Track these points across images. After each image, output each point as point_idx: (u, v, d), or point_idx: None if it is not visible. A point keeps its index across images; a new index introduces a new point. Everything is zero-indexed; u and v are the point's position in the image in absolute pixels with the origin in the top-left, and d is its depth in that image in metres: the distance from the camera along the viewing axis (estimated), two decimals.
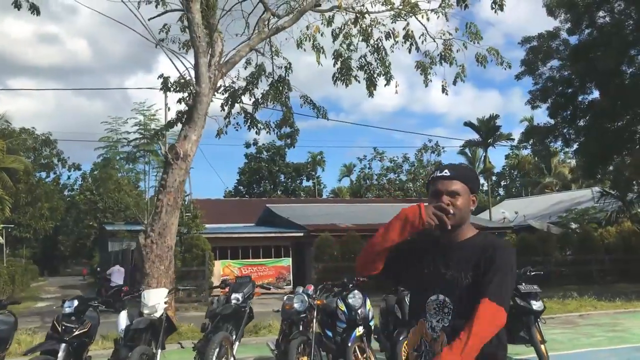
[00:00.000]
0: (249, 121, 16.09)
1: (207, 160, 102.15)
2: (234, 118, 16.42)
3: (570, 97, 21.25)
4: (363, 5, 14.86)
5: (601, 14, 19.53)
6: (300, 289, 7.84)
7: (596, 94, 21.28)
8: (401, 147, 76.21)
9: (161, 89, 14.77)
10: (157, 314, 6.71)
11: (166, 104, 20.01)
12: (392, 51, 16.55)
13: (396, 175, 60.74)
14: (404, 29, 15.15)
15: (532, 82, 21.74)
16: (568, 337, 10.61)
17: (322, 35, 15.74)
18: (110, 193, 32.71)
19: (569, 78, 21.10)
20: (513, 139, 29.67)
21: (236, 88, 15.89)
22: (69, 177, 51.26)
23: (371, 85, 15.96)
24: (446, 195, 2.33)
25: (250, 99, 16.34)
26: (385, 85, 16.24)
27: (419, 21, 16.12)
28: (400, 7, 15.71)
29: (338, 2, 13.86)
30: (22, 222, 32.52)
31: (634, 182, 23.28)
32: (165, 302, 6.85)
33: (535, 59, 21.05)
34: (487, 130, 38.32)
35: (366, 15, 15.36)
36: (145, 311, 6.72)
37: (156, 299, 6.77)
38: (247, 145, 60.92)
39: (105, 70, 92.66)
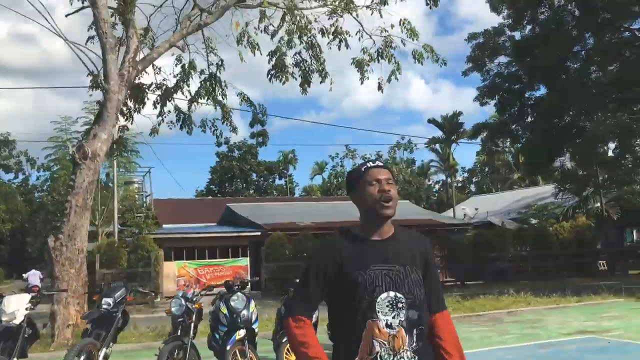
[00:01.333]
0: (181, 120, 15.83)
1: (160, 161, 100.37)
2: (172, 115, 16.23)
3: (518, 93, 21.25)
4: (292, 2, 14.62)
5: (542, 10, 19.51)
6: (180, 293, 7.61)
7: (543, 90, 21.30)
8: (374, 144, 76.23)
9: (90, 87, 14.45)
10: (17, 321, 6.47)
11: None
12: (330, 48, 16.46)
13: None
14: (332, 25, 14.94)
15: (481, 78, 21.73)
16: (482, 335, 10.51)
17: (255, 33, 15.60)
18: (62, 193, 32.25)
19: (516, 74, 21.10)
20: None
21: (169, 86, 15.68)
22: (37, 178, 50.66)
23: (305, 82, 15.80)
24: (385, 182, 2.36)
25: (186, 97, 16.16)
26: (320, 82, 16.13)
27: (355, 18, 16.04)
28: (335, 3, 15.58)
29: None
30: None
31: (582, 177, 23.31)
32: (27, 309, 6.59)
33: (481, 55, 21.01)
34: (451, 127, 38.33)
35: (299, 12, 15.22)
36: (4, 318, 6.48)
37: (16, 305, 6.53)
38: (219, 144, 60.17)
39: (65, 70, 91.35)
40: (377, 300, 2.28)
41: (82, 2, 12.87)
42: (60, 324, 10.72)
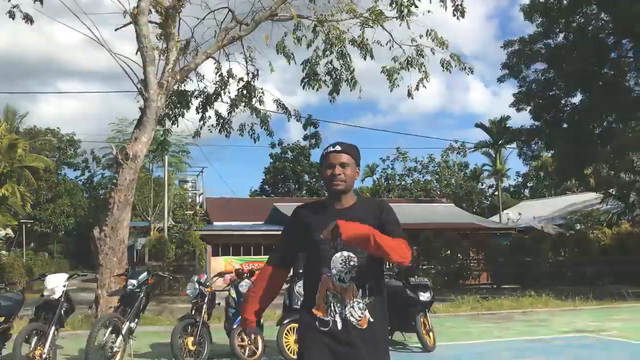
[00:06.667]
0: (220, 124, 17.05)
1: (209, 162, 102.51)
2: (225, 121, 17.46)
3: (553, 99, 21.47)
4: (322, 15, 15.57)
5: (575, 17, 19.70)
6: (195, 277, 8.72)
7: (580, 97, 21.44)
8: (427, 148, 76.14)
9: (138, 94, 15.84)
10: (56, 296, 7.69)
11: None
12: (365, 59, 17.23)
13: (421, 175, 60.93)
14: (359, 36, 15.76)
15: (517, 85, 22.06)
16: (482, 330, 11.16)
17: (294, 43, 16.61)
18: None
19: (552, 81, 21.33)
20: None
21: (210, 93, 16.95)
22: (102, 176, 53.72)
23: (334, 90, 16.72)
24: (338, 166, 2.79)
25: (226, 103, 17.39)
26: (350, 90, 16.99)
27: (384, 29, 16.83)
28: (366, 15, 16.42)
29: (292, 13, 14.61)
30: (43, 218, 34.38)
31: (626, 183, 23.20)
32: (64, 286, 7.81)
33: (517, 62, 21.36)
34: (498, 131, 38.34)
35: (331, 24, 16.13)
36: (45, 293, 7.73)
37: (55, 283, 7.75)
38: (272, 146, 61.98)
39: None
40: (332, 258, 2.69)
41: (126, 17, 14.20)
42: (103, 307, 12.02)
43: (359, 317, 2.63)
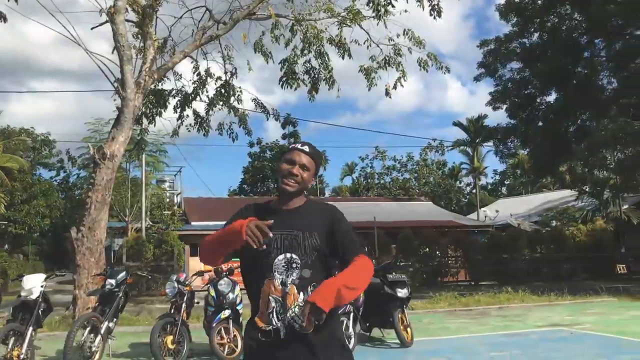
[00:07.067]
0: (199, 124, 17.00)
1: (188, 162, 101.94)
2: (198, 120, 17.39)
3: (529, 98, 21.78)
4: (299, 14, 15.62)
5: (549, 17, 20.02)
6: (174, 277, 8.72)
7: (555, 95, 21.79)
8: (406, 146, 76.55)
9: (115, 93, 15.72)
10: (33, 296, 7.63)
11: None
12: (342, 58, 17.33)
13: (400, 174, 61.29)
14: (337, 36, 15.84)
15: (494, 83, 22.34)
16: (460, 326, 11.31)
17: (272, 42, 16.63)
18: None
19: (527, 79, 21.64)
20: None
21: (189, 92, 16.89)
22: (77, 176, 53.08)
23: (313, 89, 16.78)
24: (299, 167, 2.59)
25: (205, 102, 17.34)
26: (329, 89, 17.06)
27: (362, 28, 16.93)
28: (344, 14, 16.50)
29: (270, 12, 14.63)
30: (18, 219, 33.88)
31: (600, 180, 23.61)
32: (42, 286, 7.75)
33: (493, 61, 21.63)
34: (476, 129, 38.74)
35: (309, 23, 16.18)
36: (23, 294, 7.66)
37: (33, 283, 7.70)
38: (251, 145, 61.87)
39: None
40: (275, 262, 2.50)
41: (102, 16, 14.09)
42: (81, 307, 11.92)
43: (303, 321, 2.39)
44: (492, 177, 67.80)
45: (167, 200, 34.35)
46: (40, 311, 7.69)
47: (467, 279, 26.06)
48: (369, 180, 61.24)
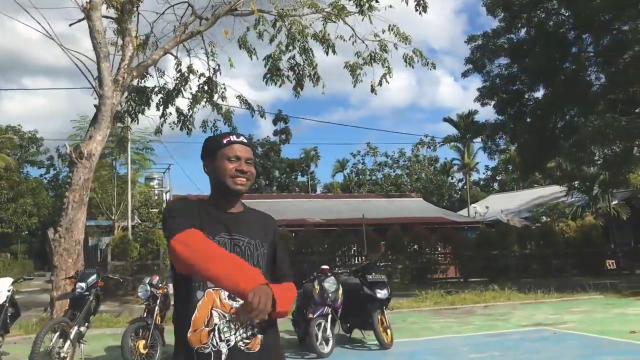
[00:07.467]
0: (182, 122, 16.78)
1: (175, 160, 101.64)
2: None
3: (517, 94, 21.66)
4: (282, 9, 15.41)
5: (536, 13, 19.89)
6: (146, 279, 8.52)
7: (542, 91, 21.67)
8: (397, 143, 76.27)
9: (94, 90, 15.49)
10: (0, 301, 7.43)
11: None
12: (327, 54, 17.14)
13: (392, 170, 61.24)
14: (320, 31, 15.64)
15: (482, 79, 22.21)
16: (443, 326, 11.17)
17: (258, 37, 16.41)
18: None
19: (515, 75, 21.51)
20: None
21: (171, 89, 16.66)
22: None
23: (297, 85, 16.58)
24: (244, 162, 2.27)
25: (188, 99, 17.12)
26: (314, 86, 16.87)
27: (346, 23, 16.74)
28: (328, 9, 16.30)
29: (252, 8, 14.42)
30: (4, 218, 33.58)
31: (589, 176, 23.56)
32: (9, 291, 7.55)
33: (481, 57, 21.48)
34: (466, 125, 38.65)
35: (294, 19, 15.97)
36: None
37: None
38: None
39: None
40: None
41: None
42: (58, 309, 11.71)
43: (249, 339, 2.11)
44: (483, 173, 67.85)
45: (156, 197, 34.10)
46: (7, 316, 7.50)
47: (456, 276, 25.99)
48: (360, 177, 61.18)
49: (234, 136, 2.32)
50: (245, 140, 2.33)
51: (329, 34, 15.67)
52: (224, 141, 2.30)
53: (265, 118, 18.36)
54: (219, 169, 2.26)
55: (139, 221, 29.71)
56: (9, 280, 7.75)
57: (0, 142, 34.43)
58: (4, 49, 75.84)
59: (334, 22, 16.63)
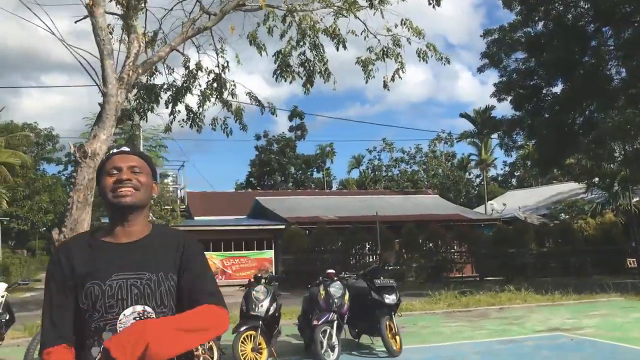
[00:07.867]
0: (191, 119, 16.55)
1: (187, 157, 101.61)
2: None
3: (534, 89, 21.13)
4: (292, 4, 15.09)
5: (554, 5, 19.34)
6: None
7: (561, 86, 21.12)
8: (414, 139, 75.57)
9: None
10: None
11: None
12: (337, 49, 16.83)
13: (408, 166, 60.78)
14: (331, 26, 15.29)
15: (498, 74, 21.71)
16: (455, 330, 10.81)
17: (268, 34, 16.13)
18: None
19: (533, 70, 20.98)
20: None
21: (179, 86, 16.44)
22: None
23: (308, 81, 16.26)
24: (127, 170, 1.99)
25: (198, 96, 16.89)
26: (324, 82, 16.54)
27: (358, 18, 16.37)
28: (339, 4, 15.95)
29: (260, 3, 14.10)
30: (20, 215, 33.75)
31: (610, 173, 22.97)
32: (2, 296, 7.36)
33: (497, 51, 20.98)
34: (483, 121, 38.05)
35: (302, 14, 15.65)
36: None
37: None
38: (258, 138, 61.63)
39: None
40: (120, 317, 1.86)
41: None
42: None
43: None
44: (501, 169, 67.01)
45: (170, 195, 34.03)
46: (3, 322, 7.31)
47: (473, 274, 25.53)
48: (376, 173, 60.77)
49: (114, 149, 2.10)
50: (126, 149, 2.08)
51: (339, 29, 15.31)
52: (105, 157, 2.10)
53: (276, 115, 18.00)
54: (101, 189, 2.01)
55: (153, 218, 29.64)
56: (3, 285, 7.56)
57: (16, 139, 34.53)
58: (22, 46, 76.54)
59: (345, 16, 16.30)
